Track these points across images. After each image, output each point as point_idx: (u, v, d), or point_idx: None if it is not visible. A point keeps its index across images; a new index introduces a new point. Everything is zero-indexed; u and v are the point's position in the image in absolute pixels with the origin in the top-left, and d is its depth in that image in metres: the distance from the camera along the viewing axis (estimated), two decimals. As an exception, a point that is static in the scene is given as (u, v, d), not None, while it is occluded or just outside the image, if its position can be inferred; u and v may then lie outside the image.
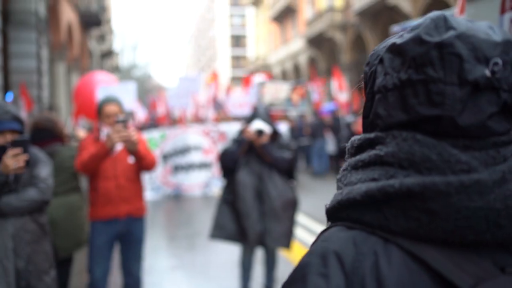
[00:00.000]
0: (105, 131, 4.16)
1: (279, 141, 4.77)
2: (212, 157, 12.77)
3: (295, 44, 37.97)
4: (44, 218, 3.40)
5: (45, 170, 3.42)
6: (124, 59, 55.93)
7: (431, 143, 0.74)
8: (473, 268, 0.70)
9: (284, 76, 39.67)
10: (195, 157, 12.62)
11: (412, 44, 0.77)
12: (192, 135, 12.70)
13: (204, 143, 12.76)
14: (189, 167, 12.55)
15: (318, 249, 0.78)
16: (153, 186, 12.18)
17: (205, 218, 9.53)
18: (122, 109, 4.28)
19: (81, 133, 7.79)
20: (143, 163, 4.19)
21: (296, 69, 38.16)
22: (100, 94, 11.83)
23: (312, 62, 33.84)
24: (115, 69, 40.80)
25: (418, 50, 0.76)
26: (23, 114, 9.57)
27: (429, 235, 0.72)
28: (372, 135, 0.82)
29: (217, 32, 73.92)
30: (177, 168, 12.46)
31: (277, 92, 14.34)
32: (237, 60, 73.23)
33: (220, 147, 12.70)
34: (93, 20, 24.72)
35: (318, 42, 31.77)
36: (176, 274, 6.05)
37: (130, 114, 3.86)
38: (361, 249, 0.74)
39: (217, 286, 5.50)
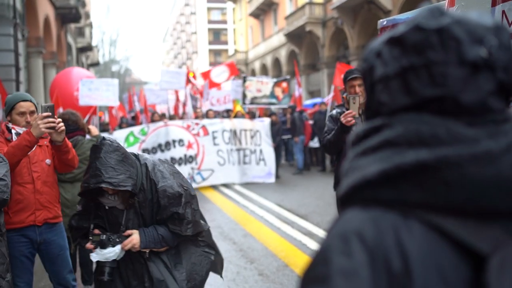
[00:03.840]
0: (18, 130, 3.74)
1: None
2: (195, 150, 12.75)
3: (275, 39, 37.96)
4: (1, 219, 3.28)
5: (3, 169, 3.30)
6: (102, 54, 55.33)
7: (437, 121, 0.78)
8: (490, 234, 0.72)
9: (264, 71, 39.69)
10: (178, 151, 12.56)
11: (411, 32, 0.82)
12: (174, 130, 12.63)
13: (187, 137, 12.70)
14: (171, 162, 12.48)
15: (337, 231, 0.78)
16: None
17: (188, 213, 9.45)
18: (36, 108, 3.89)
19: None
20: (67, 158, 3.82)
21: (277, 63, 38.18)
22: (81, 87, 11.75)
23: (292, 56, 33.90)
24: (94, 64, 40.34)
25: (418, 37, 0.81)
26: (0, 111, 9.37)
27: (446, 205, 0.74)
28: (377, 122, 0.85)
29: (196, 27, 73.52)
30: (159, 164, 12.37)
31: (261, 87, 14.31)
32: (217, 55, 72.96)
33: (203, 141, 12.70)
34: (71, 15, 24.37)
35: (298, 37, 31.82)
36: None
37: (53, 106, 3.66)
38: (381, 226, 0.75)
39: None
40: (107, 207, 2.98)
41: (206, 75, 16.13)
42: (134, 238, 2.87)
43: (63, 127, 3.58)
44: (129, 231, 2.91)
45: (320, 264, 0.76)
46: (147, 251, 2.92)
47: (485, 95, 0.79)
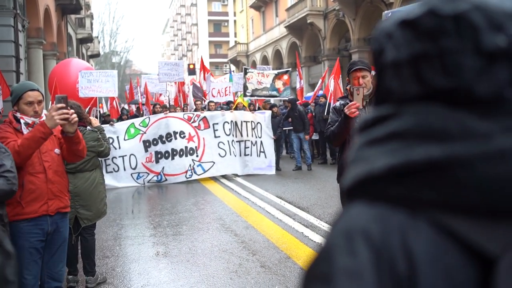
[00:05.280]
0: (26, 120, 3.72)
1: None
2: (196, 143, 12.74)
3: (276, 31, 37.83)
4: (3, 209, 3.26)
5: (9, 161, 3.30)
6: (103, 45, 55.16)
7: (449, 113, 0.73)
8: (503, 235, 0.69)
9: (265, 63, 39.60)
10: (179, 143, 12.56)
11: (426, 17, 0.76)
12: (175, 122, 12.61)
13: (188, 130, 12.68)
14: (172, 153, 12.49)
15: (341, 229, 0.75)
16: (134, 173, 12.11)
17: (189, 206, 9.47)
18: (43, 97, 3.88)
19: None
20: (77, 149, 3.82)
21: (278, 55, 38.08)
22: (81, 78, 11.72)
23: (294, 48, 33.79)
24: (95, 55, 40.23)
25: (433, 22, 0.75)
26: (0, 101, 9.35)
27: (456, 205, 0.71)
28: (386, 110, 0.80)
29: (197, 19, 73.29)
30: (160, 155, 12.38)
31: (262, 79, 14.26)
32: (217, 47, 72.78)
33: (204, 134, 12.68)
34: (71, 5, 24.27)
35: (299, 29, 31.70)
36: (161, 262, 6.00)
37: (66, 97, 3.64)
38: (388, 224, 0.72)
39: (202, 273, 5.46)
40: None
41: (205, 68, 16.13)
42: None
43: (76, 118, 3.59)
44: None
45: (324, 262, 0.74)
46: None
47: (501, 86, 0.73)
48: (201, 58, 20.22)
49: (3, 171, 3.23)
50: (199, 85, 17.13)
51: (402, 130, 0.76)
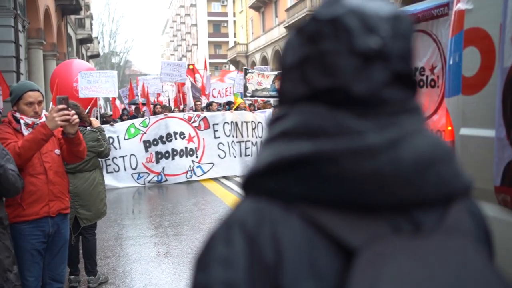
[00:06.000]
0: (26, 120, 3.68)
1: None
2: (196, 143, 12.72)
3: (275, 31, 37.83)
4: (3, 212, 3.22)
5: (12, 164, 3.26)
6: (102, 46, 55.13)
7: (327, 112, 0.77)
8: (367, 229, 0.73)
9: (264, 63, 39.59)
10: (179, 143, 12.54)
11: (309, 23, 0.83)
12: (175, 122, 12.60)
13: (188, 130, 12.67)
14: (173, 154, 12.48)
15: (226, 219, 0.81)
16: (134, 173, 12.10)
17: (190, 206, 9.48)
18: (43, 97, 3.85)
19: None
20: (78, 150, 3.80)
21: (277, 56, 38.06)
22: (80, 79, 11.72)
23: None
24: (94, 56, 40.20)
25: (314, 27, 0.81)
26: (0, 101, 9.35)
27: (323, 199, 0.75)
28: (281, 111, 0.85)
29: (196, 19, 73.27)
30: (161, 155, 12.37)
31: (261, 80, 14.26)
32: (217, 47, 72.76)
33: (204, 134, 12.67)
34: (71, 6, 24.27)
35: (299, 29, 31.67)
36: (163, 262, 6.00)
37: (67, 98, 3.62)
38: (262, 216, 0.76)
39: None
40: None
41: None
42: None
43: (77, 120, 3.58)
44: None
45: (205, 251, 0.79)
46: None
47: (377, 85, 0.77)
48: (205, 58, 20.26)
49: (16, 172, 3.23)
50: (196, 85, 17.12)
51: (287, 129, 0.80)
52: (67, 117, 3.48)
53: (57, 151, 3.86)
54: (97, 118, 12.28)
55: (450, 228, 0.78)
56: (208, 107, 14.68)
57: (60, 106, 3.48)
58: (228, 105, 16.77)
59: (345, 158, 0.74)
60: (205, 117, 12.92)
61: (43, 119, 3.66)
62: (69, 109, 3.52)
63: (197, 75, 18.80)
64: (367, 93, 0.77)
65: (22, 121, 3.68)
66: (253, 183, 0.82)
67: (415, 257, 0.71)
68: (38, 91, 3.79)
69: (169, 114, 12.85)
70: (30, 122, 3.68)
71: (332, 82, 0.78)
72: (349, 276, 0.69)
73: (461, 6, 3.29)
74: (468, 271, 0.72)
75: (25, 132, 3.67)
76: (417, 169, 0.75)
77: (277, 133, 0.82)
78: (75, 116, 3.55)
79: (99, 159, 5.79)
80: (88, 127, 5.57)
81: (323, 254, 0.73)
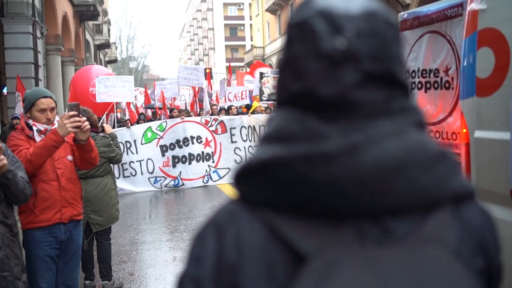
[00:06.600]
0: (39, 127, 3.68)
1: None
2: (212, 148, 12.75)
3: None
4: (13, 219, 3.21)
5: (23, 172, 3.25)
6: (120, 51, 55.66)
7: (296, 117, 0.77)
8: (325, 236, 0.72)
9: (281, 66, 39.54)
10: (196, 148, 12.58)
11: (287, 28, 0.83)
12: (192, 126, 12.63)
13: (205, 134, 12.70)
14: (189, 158, 12.51)
15: (207, 221, 0.84)
16: (151, 177, 12.15)
17: (206, 210, 9.47)
18: (56, 104, 3.86)
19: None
20: (90, 156, 3.79)
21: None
22: (97, 84, 11.83)
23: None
24: (112, 61, 40.60)
25: (288, 32, 0.82)
26: (19, 107, 9.47)
27: (280, 204, 0.75)
28: (270, 115, 0.87)
29: (213, 23, 73.56)
30: (177, 160, 12.41)
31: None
32: (234, 51, 72.93)
33: (221, 138, 12.68)
34: (89, 12, 24.55)
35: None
36: (178, 267, 5.99)
37: (78, 104, 3.63)
38: (232, 218, 0.78)
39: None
40: None
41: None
42: None
43: (89, 126, 3.59)
44: None
45: (190, 246, 0.83)
46: None
47: (347, 88, 0.74)
48: (229, 64, 20.34)
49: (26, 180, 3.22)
50: (210, 91, 17.10)
51: (267, 133, 0.82)
52: (78, 123, 3.49)
53: (70, 157, 3.86)
54: (114, 123, 12.38)
55: (425, 237, 0.73)
56: (228, 111, 14.63)
57: (71, 113, 3.48)
58: (248, 108, 16.71)
59: (299, 163, 0.73)
60: (222, 121, 12.93)
61: (56, 125, 3.68)
62: (80, 115, 3.53)
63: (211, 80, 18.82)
64: (335, 96, 0.75)
65: (34, 128, 3.70)
66: (235, 185, 0.84)
67: (370, 266, 0.68)
68: (51, 97, 3.79)
69: (186, 118, 12.88)
70: (42, 129, 3.69)
71: (301, 86, 0.77)
72: (295, 282, 0.69)
73: (474, 6, 3.24)
74: (429, 283, 0.68)
75: (38, 138, 3.67)
76: (381, 174, 0.71)
77: (263, 137, 0.83)
78: (86, 123, 3.55)
79: (111, 165, 5.80)
80: (101, 133, 5.60)
81: (279, 258, 0.73)
